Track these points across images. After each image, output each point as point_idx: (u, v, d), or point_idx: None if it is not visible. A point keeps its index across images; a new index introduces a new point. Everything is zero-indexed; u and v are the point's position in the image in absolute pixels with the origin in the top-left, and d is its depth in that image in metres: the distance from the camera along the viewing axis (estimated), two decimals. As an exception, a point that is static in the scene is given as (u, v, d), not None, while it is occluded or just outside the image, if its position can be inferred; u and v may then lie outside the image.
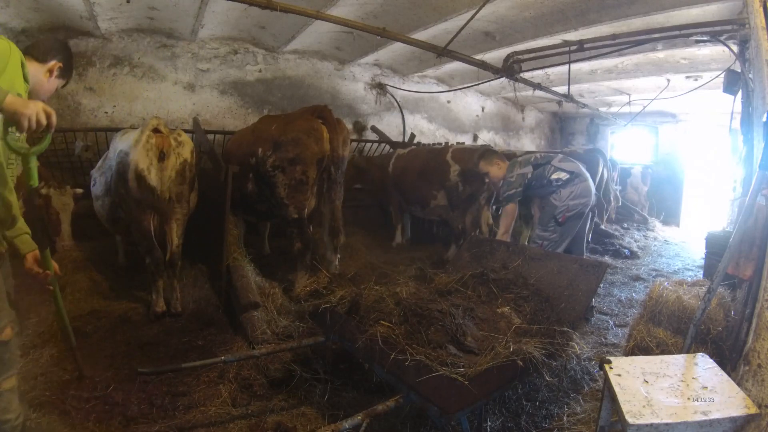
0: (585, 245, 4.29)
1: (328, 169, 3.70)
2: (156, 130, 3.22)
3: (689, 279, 3.80)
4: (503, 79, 5.04)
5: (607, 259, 5.72)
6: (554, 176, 3.73)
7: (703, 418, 1.49)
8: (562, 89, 5.93)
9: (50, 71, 1.98)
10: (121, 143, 3.32)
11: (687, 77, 5.66)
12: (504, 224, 3.87)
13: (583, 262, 2.96)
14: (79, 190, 3.87)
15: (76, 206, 3.89)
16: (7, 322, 1.76)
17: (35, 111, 1.54)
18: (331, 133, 3.61)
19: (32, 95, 1.94)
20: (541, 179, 3.77)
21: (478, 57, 4.93)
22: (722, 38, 3.33)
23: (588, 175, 3.79)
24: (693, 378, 1.72)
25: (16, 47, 1.76)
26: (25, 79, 1.82)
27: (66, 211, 3.77)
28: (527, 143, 9.72)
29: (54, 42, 2.05)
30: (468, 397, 1.84)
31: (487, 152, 4.43)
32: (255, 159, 3.68)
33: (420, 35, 4.52)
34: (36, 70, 1.92)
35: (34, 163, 1.79)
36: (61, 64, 2.00)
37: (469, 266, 3.21)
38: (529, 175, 3.77)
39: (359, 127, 6.78)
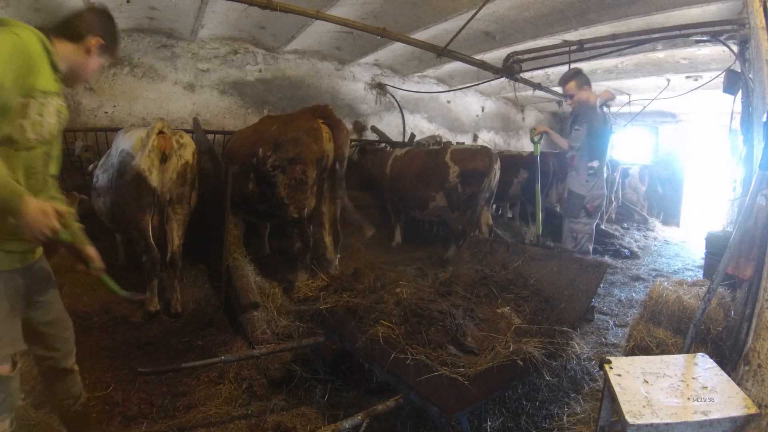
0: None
1: (329, 169, 3.70)
2: (160, 132, 3.21)
3: (689, 279, 3.79)
4: (503, 79, 5.05)
5: (607, 259, 5.72)
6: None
7: (703, 418, 1.49)
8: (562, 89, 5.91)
9: (88, 50, 1.67)
10: (123, 142, 3.32)
11: (687, 77, 5.66)
12: None
13: (583, 262, 2.96)
14: (85, 198, 3.81)
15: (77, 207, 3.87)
16: (7, 355, 1.47)
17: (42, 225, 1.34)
18: (334, 131, 3.62)
19: (70, 81, 1.70)
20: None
21: (478, 57, 4.93)
22: (722, 38, 3.33)
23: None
24: (693, 378, 1.71)
25: (34, 34, 1.55)
26: (55, 69, 1.58)
27: None
28: (527, 143, 9.71)
29: (90, 16, 1.72)
30: (468, 397, 1.84)
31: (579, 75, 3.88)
32: (256, 159, 3.68)
33: (420, 35, 4.53)
34: (71, 52, 1.65)
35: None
36: (101, 40, 1.68)
37: (469, 266, 3.21)
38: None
39: (359, 127, 6.78)
